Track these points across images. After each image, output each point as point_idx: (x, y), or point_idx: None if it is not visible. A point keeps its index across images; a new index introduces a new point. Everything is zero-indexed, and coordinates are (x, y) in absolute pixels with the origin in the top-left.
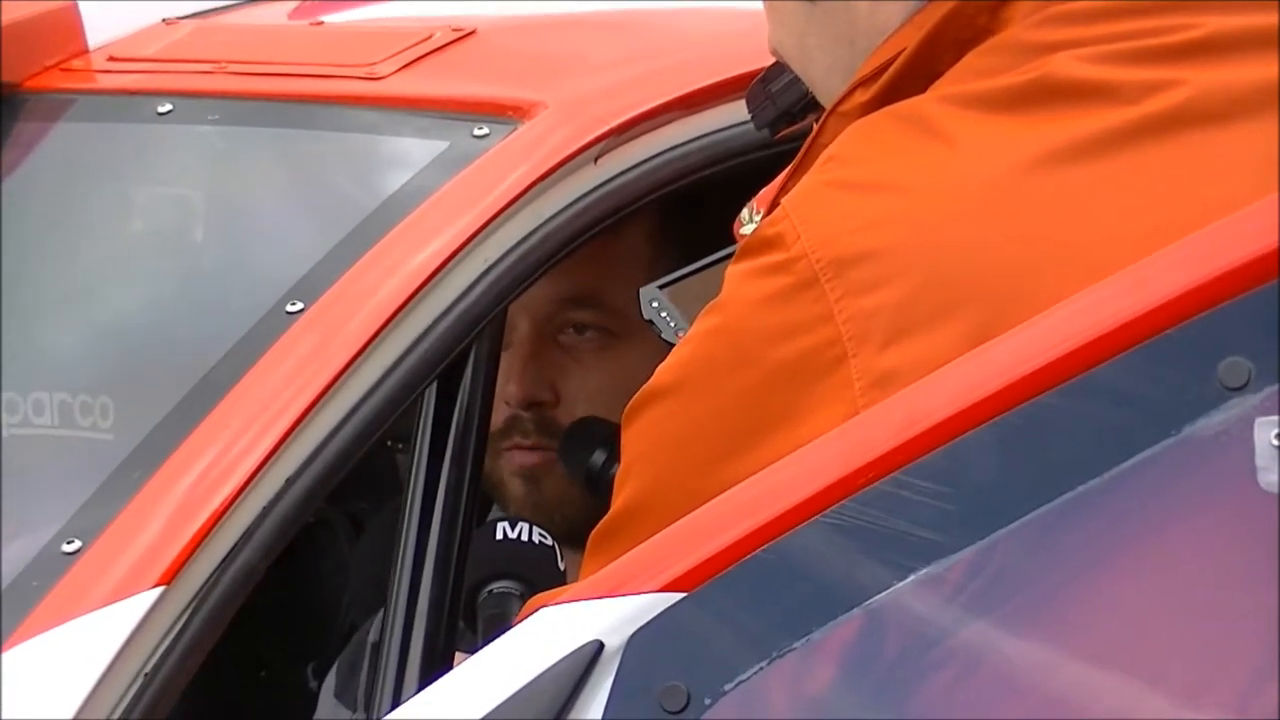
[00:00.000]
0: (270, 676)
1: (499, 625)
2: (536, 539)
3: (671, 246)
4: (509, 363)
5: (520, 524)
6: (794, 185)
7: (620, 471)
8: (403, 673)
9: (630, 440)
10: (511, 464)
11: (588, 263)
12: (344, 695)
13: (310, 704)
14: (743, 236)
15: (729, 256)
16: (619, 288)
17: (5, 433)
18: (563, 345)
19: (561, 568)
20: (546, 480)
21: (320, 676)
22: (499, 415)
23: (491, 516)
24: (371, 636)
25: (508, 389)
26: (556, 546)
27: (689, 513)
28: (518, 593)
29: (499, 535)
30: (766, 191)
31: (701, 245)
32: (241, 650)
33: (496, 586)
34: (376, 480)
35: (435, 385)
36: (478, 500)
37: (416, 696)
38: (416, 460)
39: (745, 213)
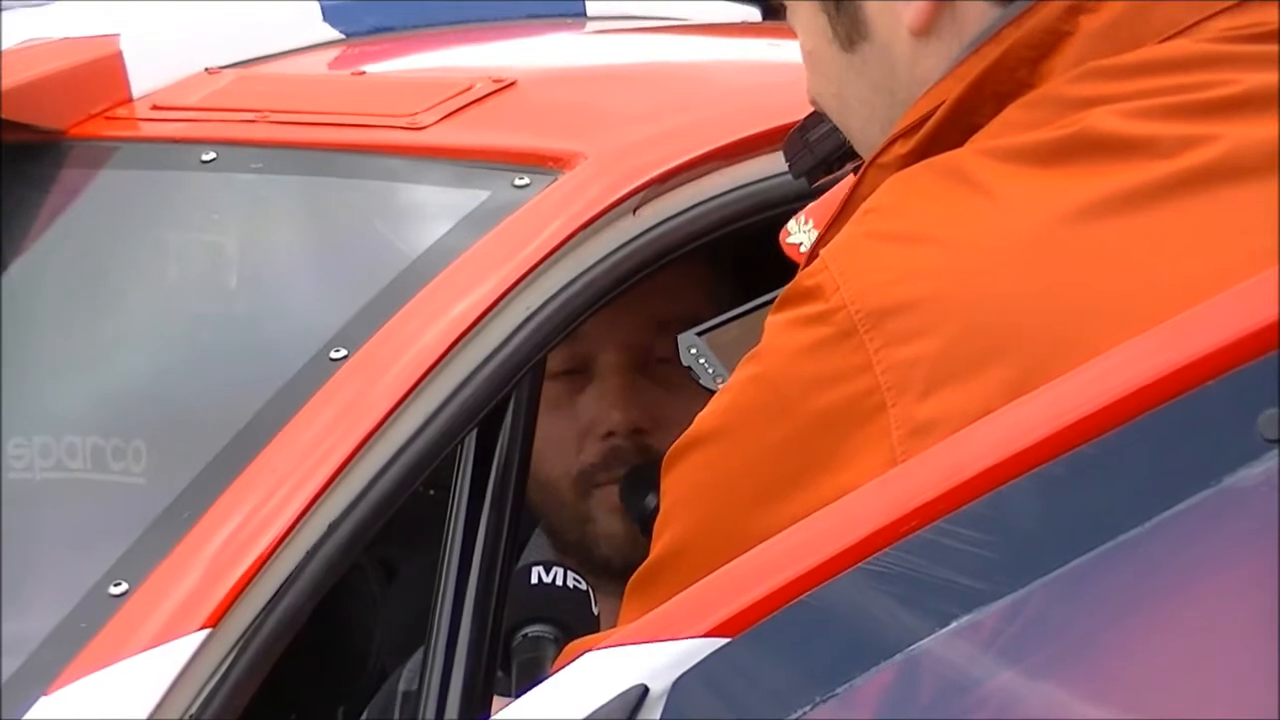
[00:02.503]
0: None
1: (534, 669)
2: (571, 584)
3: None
4: (601, 395)
5: (555, 568)
6: (833, 236)
7: (661, 517)
8: (441, 717)
9: (671, 486)
10: (611, 501)
11: (681, 288)
12: None
13: None
14: (790, 246)
15: (766, 304)
16: (711, 312)
17: (48, 474)
18: (657, 373)
19: (595, 612)
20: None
21: None
22: (591, 451)
23: (525, 561)
24: (403, 685)
25: (611, 417)
26: (590, 591)
27: (727, 558)
28: (552, 637)
29: (534, 579)
30: (816, 205)
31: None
32: (273, 693)
33: (531, 630)
34: (408, 525)
35: (475, 431)
36: (516, 545)
37: None
38: (456, 505)
39: (792, 223)
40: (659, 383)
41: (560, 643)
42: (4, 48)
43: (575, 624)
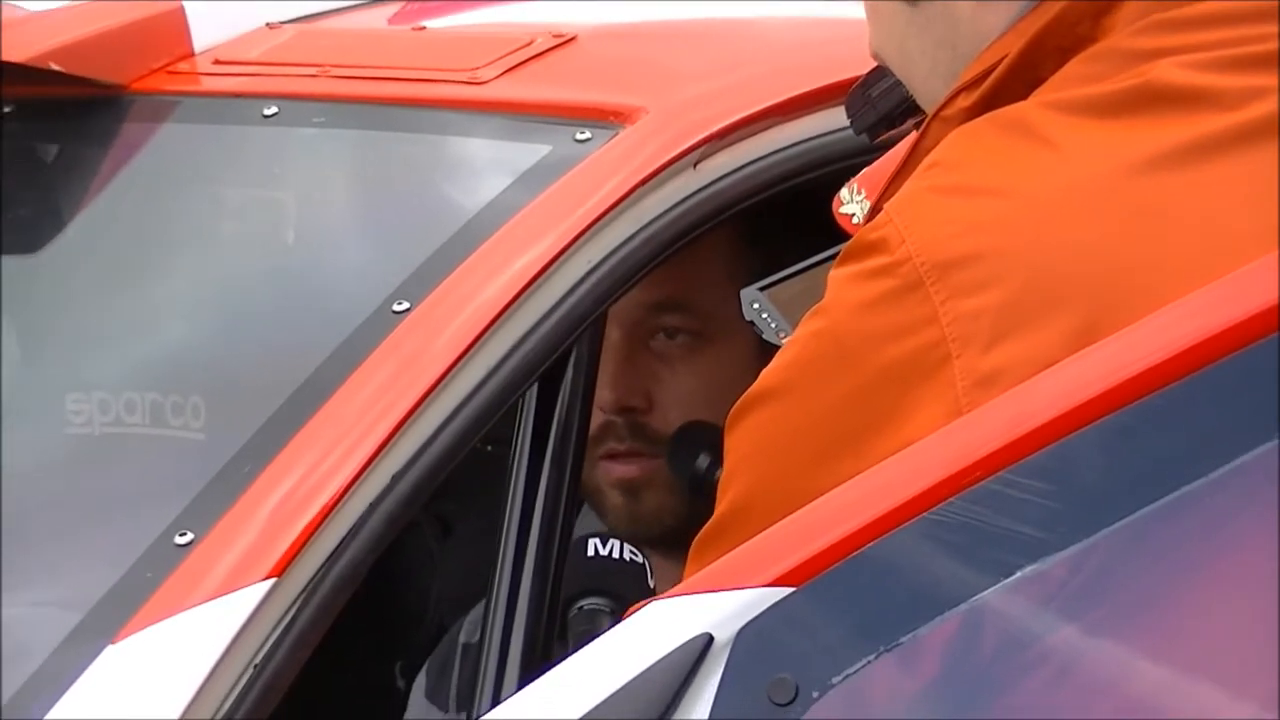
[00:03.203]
0: (358, 674)
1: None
2: (628, 556)
3: (755, 249)
4: (601, 370)
5: (611, 541)
6: (896, 189)
7: (725, 475)
8: (502, 673)
9: (735, 444)
10: (610, 476)
11: (675, 267)
12: (435, 696)
13: (397, 702)
14: (843, 215)
15: (829, 259)
16: (707, 291)
17: (109, 429)
18: (654, 351)
19: (651, 585)
20: (646, 493)
21: (408, 675)
22: (593, 421)
23: (582, 532)
24: (463, 637)
25: (601, 394)
26: (647, 564)
27: (788, 518)
28: (608, 610)
29: (590, 552)
30: (868, 172)
31: (782, 248)
32: (330, 647)
33: (587, 603)
34: (465, 481)
35: (536, 386)
36: (577, 501)
37: (527, 687)
38: (517, 461)
39: (845, 191)
40: (658, 358)
41: (616, 615)
42: (63, 5)
43: (631, 596)
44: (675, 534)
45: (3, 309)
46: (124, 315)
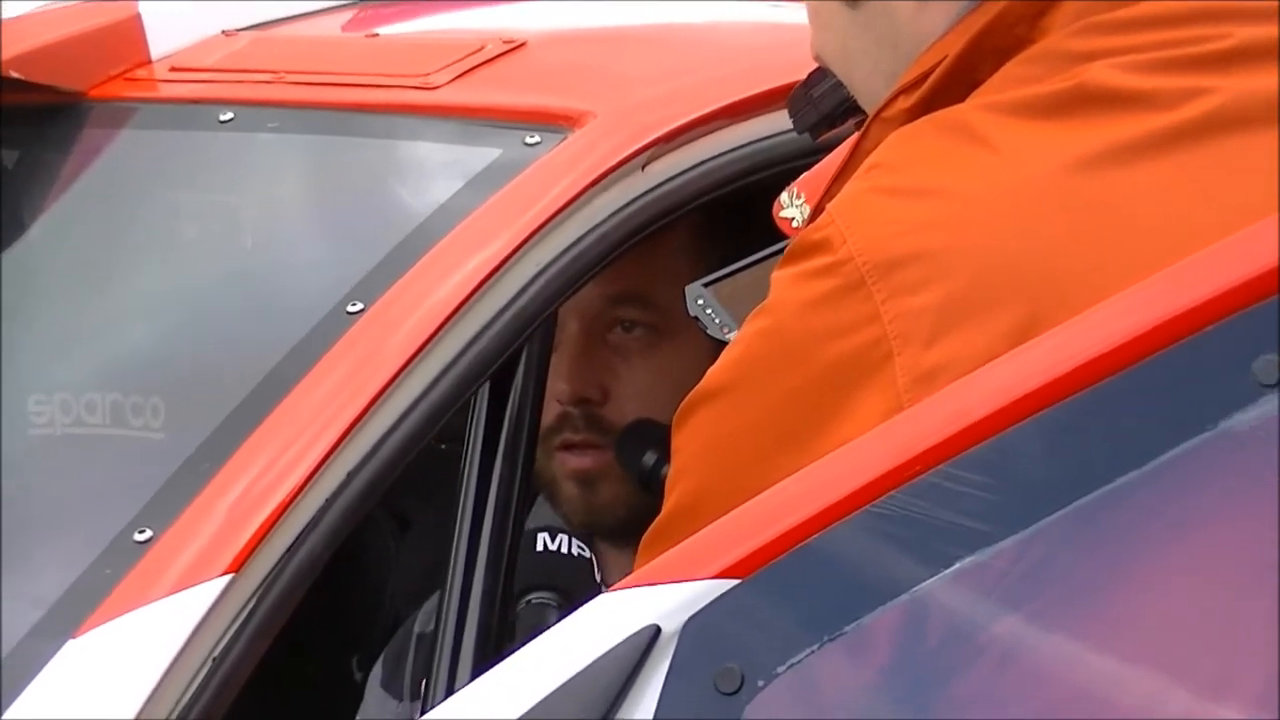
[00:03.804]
0: (315, 666)
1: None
2: (575, 551)
3: (715, 245)
4: (558, 362)
5: (560, 535)
6: (838, 190)
7: (672, 472)
8: (456, 662)
9: (682, 441)
10: (565, 467)
11: (634, 262)
12: (391, 686)
13: (354, 693)
14: (783, 220)
15: (772, 255)
16: (665, 286)
17: (70, 430)
18: (611, 344)
19: (598, 579)
20: (601, 484)
21: (364, 668)
22: (549, 413)
23: (531, 524)
24: (418, 628)
25: (558, 387)
26: (594, 559)
27: (733, 511)
28: (555, 603)
29: (539, 547)
30: (807, 177)
31: (742, 244)
32: (287, 640)
33: (535, 597)
34: (421, 479)
35: (489, 384)
36: (529, 495)
37: (479, 679)
38: (470, 457)
39: (785, 195)
40: (614, 351)
41: (561, 608)
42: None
43: (578, 591)
44: (628, 525)
45: None
46: (85, 318)
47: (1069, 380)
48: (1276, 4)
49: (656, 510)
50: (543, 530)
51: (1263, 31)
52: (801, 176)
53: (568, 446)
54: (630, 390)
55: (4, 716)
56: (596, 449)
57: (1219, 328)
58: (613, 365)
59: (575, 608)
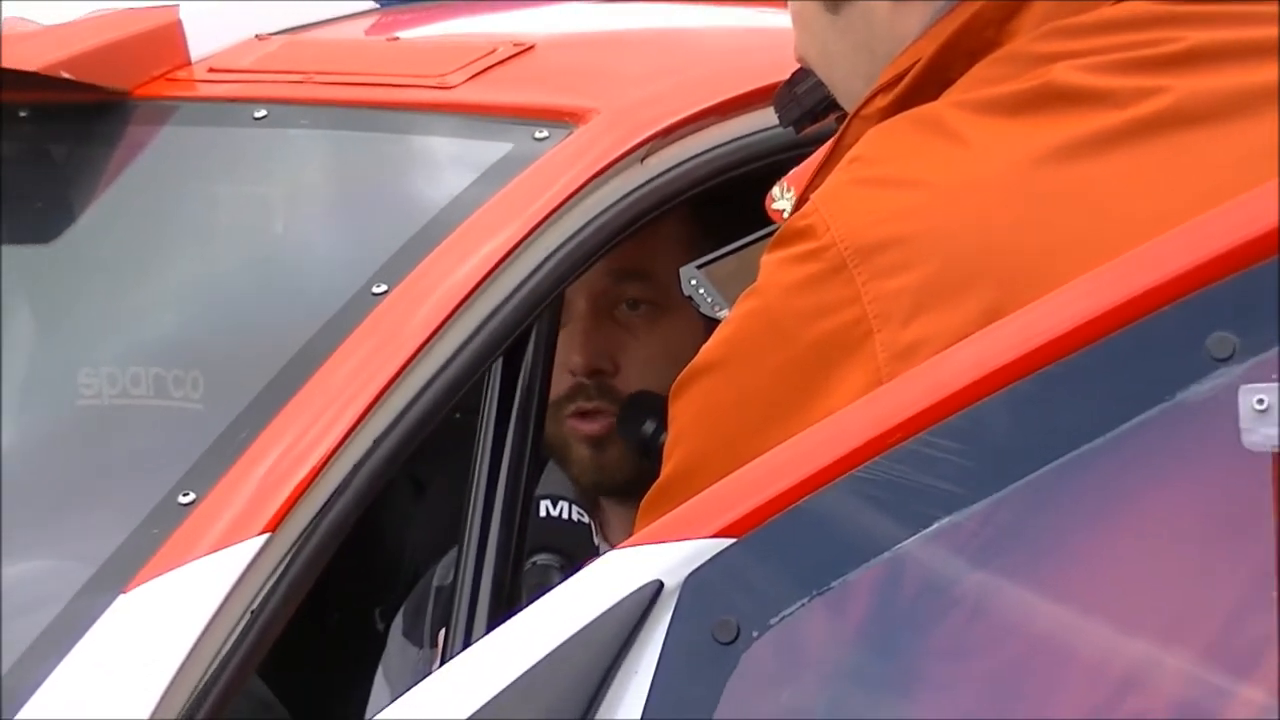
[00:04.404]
0: (343, 617)
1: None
2: (575, 517)
3: (711, 229)
4: (570, 337)
5: (561, 502)
6: (821, 182)
7: (669, 440)
8: (473, 614)
9: (679, 412)
10: (578, 432)
11: (639, 244)
12: (412, 634)
13: (377, 642)
14: (775, 211)
15: (760, 239)
16: (666, 265)
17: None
18: (618, 320)
19: (596, 543)
20: (610, 447)
21: (387, 617)
22: (562, 384)
23: (536, 493)
24: (436, 581)
25: (572, 359)
26: (592, 524)
27: (728, 476)
28: (558, 565)
29: (542, 513)
30: (796, 171)
31: (734, 228)
32: (318, 593)
33: (539, 559)
34: (438, 445)
35: (502, 359)
36: (539, 460)
37: (497, 629)
38: (484, 425)
39: (776, 189)
40: (622, 326)
41: (564, 570)
42: (72, 19)
43: (578, 553)
44: (631, 485)
45: (21, 295)
46: (130, 298)
47: (1036, 356)
48: (1224, 9)
49: (655, 474)
50: (545, 498)
51: (1213, 35)
52: (791, 171)
53: (581, 414)
54: (638, 362)
55: (61, 666)
56: (607, 415)
57: (1175, 307)
58: (621, 339)
59: (575, 569)
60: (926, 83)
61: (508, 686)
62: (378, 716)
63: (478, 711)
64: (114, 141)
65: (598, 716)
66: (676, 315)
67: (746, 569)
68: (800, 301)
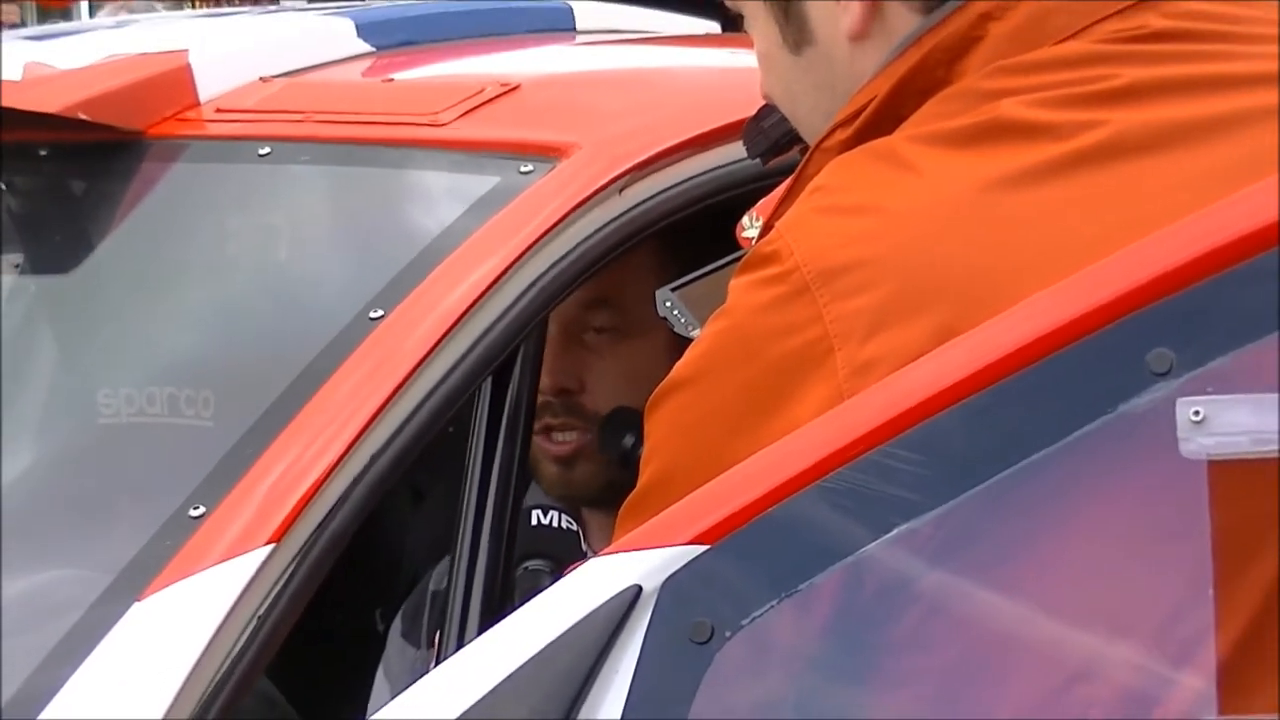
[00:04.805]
0: (345, 620)
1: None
2: (564, 525)
3: (673, 260)
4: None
5: (550, 511)
6: (785, 210)
7: (645, 452)
8: (466, 616)
9: (654, 426)
10: (547, 452)
11: (605, 275)
12: (410, 636)
13: (377, 642)
14: (744, 238)
15: (729, 264)
16: (630, 294)
17: (133, 419)
18: (585, 344)
19: (584, 548)
20: (578, 464)
21: (386, 619)
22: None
23: (527, 503)
24: (433, 586)
25: (541, 381)
26: (580, 531)
27: (704, 484)
28: (548, 569)
29: (533, 521)
30: (764, 201)
31: (698, 256)
32: (321, 598)
33: (530, 564)
34: (433, 457)
35: (491, 378)
36: (525, 472)
37: (488, 632)
38: (475, 440)
39: (746, 218)
40: (589, 349)
41: (553, 574)
42: (88, 64)
43: (567, 558)
44: (603, 495)
45: (44, 321)
46: (145, 323)
47: (988, 372)
48: (1159, 49)
49: (631, 484)
50: (536, 507)
51: (1149, 72)
52: (760, 202)
53: (548, 429)
54: (602, 382)
55: (81, 669)
56: (575, 430)
57: (1116, 325)
58: (587, 361)
59: (566, 573)
60: (882, 118)
61: (497, 686)
62: (375, 716)
63: (469, 710)
64: (129, 178)
65: (581, 713)
66: (638, 339)
67: (719, 573)
68: (767, 321)
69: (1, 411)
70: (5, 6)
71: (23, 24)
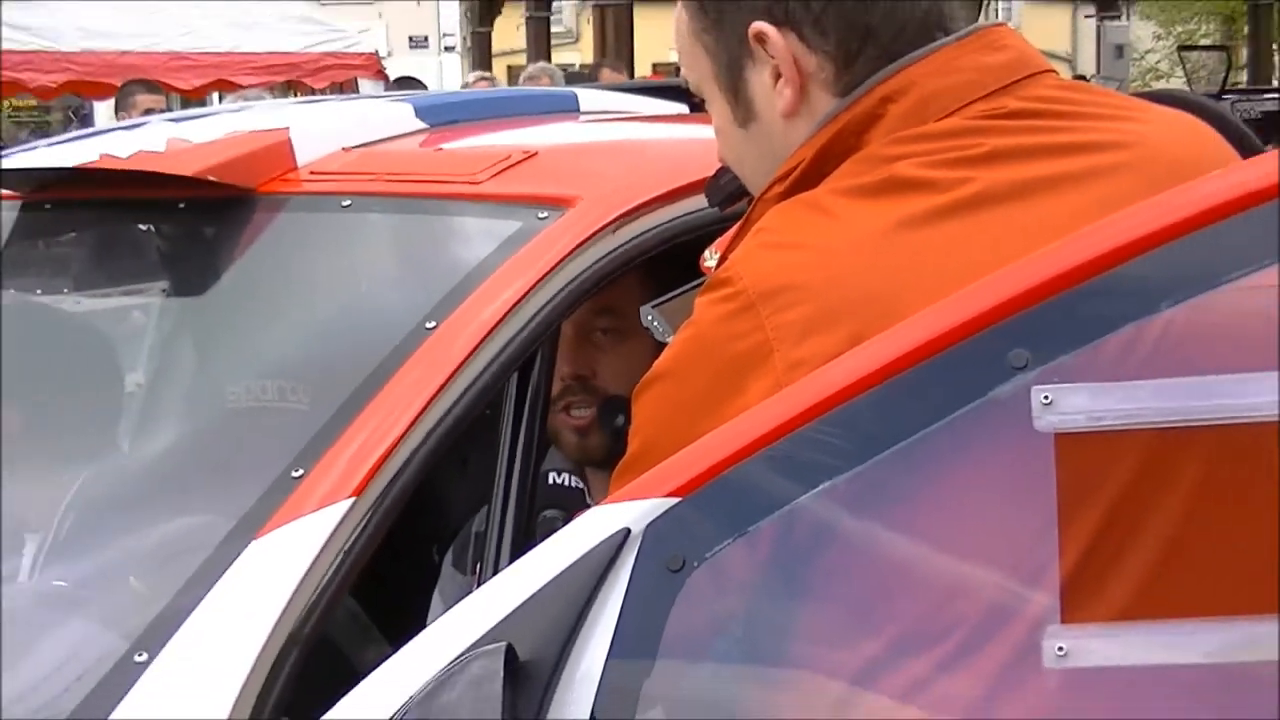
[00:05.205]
0: (410, 554)
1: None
2: (573, 484)
3: (654, 282)
4: (560, 354)
5: (563, 474)
6: (737, 246)
7: (633, 429)
8: (499, 551)
9: (638, 409)
10: (568, 425)
11: (610, 290)
12: (458, 565)
13: (434, 571)
14: (706, 267)
15: (695, 286)
16: (628, 304)
17: (251, 405)
18: (594, 341)
19: (590, 501)
20: (590, 435)
21: (441, 553)
22: (555, 387)
23: (545, 466)
24: (475, 527)
25: (562, 369)
26: (586, 488)
27: (675, 454)
28: (561, 518)
29: (550, 481)
30: (721, 240)
31: (671, 282)
32: (391, 537)
33: (547, 514)
34: (475, 431)
35: (517, 373)
36: (544, 443)
37: (513, 564)
38: (505, 419)
39: (707, 252)
40: (598, 347)
41: (565, 521)
42: (214, 138)
43: (575, 510)
44: (606, 460)
45: (187, 336)
46: (258, 333)
47: (889, 368)
48: (1017, 124)
49: (624, 452)
50: (551, 470)
51: (1007, 141)
52: (717, 240)
53: (568, 407)
54: (609, 370)
55: (212, 591)
56: (590, 407)
57: (985, 332)
58: (596, 355)
59: (573, 519)
60: (809, 176)
61: (514, 610)
62: (424, 631)
63: (500, 622)
64: (245, 224)
65: (586, 623)
66: (635, 339)
67: (690, 519)
68: (723, 330)
69: (156, 400)
70: (154, 98)
71: (168, 109)
